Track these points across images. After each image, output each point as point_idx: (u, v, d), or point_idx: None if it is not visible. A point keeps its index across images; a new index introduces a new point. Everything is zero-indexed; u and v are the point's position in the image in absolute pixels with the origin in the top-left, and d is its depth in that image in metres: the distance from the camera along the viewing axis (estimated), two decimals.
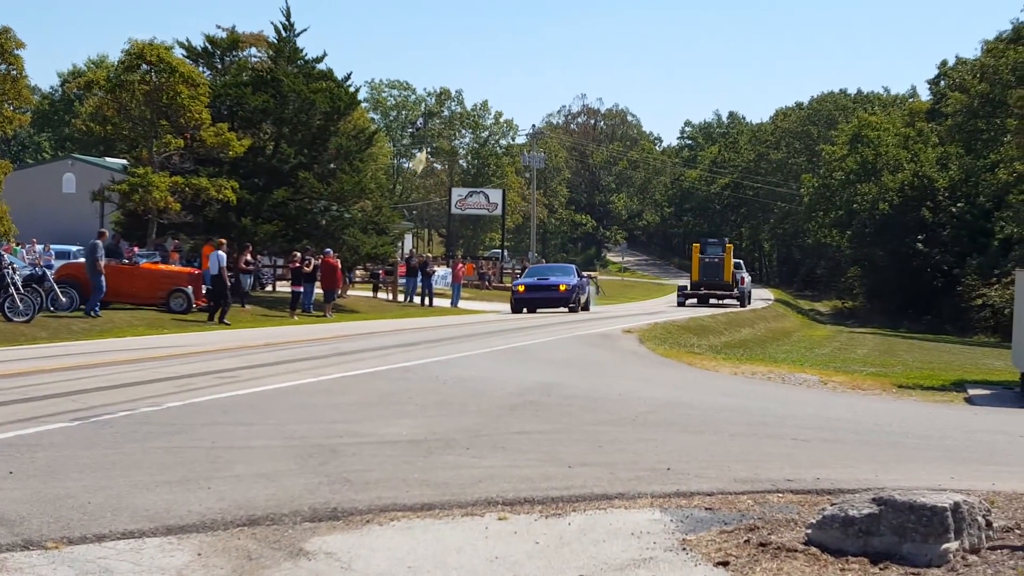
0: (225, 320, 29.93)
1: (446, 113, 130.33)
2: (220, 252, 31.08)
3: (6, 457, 9.01)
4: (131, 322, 27.91)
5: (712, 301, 58.88)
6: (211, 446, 9.82)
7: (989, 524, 6.55)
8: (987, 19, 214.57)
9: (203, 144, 37.94)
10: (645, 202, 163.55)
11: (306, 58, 45.51)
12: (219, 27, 53.88)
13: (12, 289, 24.63)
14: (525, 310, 43.41)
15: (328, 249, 38.49)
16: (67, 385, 14.39)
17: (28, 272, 28.97)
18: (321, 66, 45.90)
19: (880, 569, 6.00)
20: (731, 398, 15.95)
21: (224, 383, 14.97)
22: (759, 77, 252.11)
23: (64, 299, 27.86)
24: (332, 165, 43.70)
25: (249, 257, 36.99)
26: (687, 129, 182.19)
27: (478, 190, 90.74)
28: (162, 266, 33.31)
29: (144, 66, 37.11)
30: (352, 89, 46.45)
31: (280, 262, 47.70)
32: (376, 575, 6.05)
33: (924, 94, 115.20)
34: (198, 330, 27.51)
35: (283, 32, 44.60)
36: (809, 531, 6.52)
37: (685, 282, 64.78)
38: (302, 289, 36.37)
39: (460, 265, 55.84)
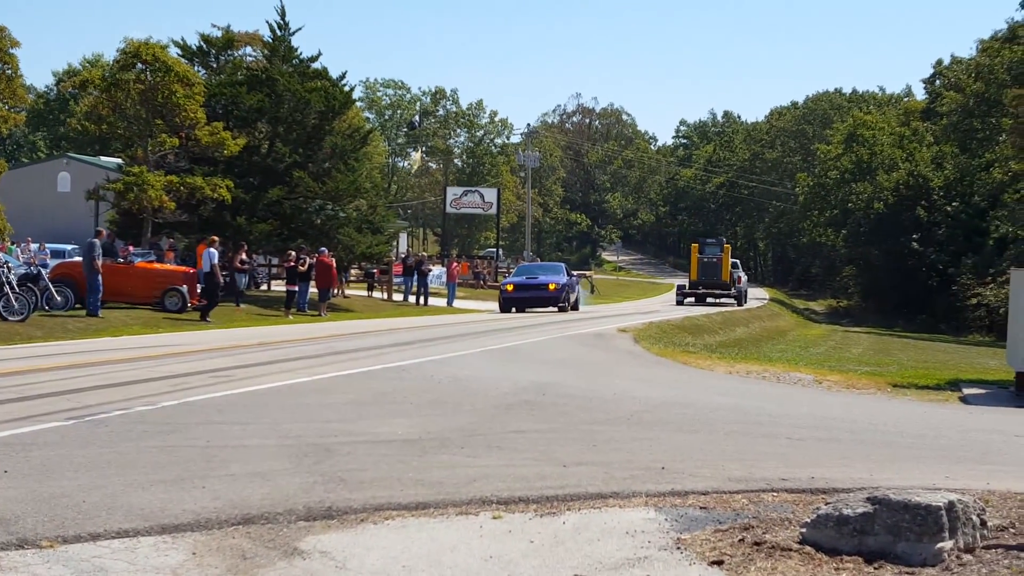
0: (208, 319, 29.84)
1: (441, 112, 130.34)
2: (212, 250, 31.03)
3: (1, 456, 9.00)
4: (126, 321, 27.87)
5: (710, 300, 60.10)
6: (206, 445, 9.82)
7: (984, 523, 6.56)
8: (982, 18, 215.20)
9: (198, 143, 37.89)
10: (640, 201, 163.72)
11: (301, 57, 45.46)
12: (214, 26, 53.77)
13: (7, 288, 24.58)
14: (514, 309, 42.90)
15: (323, 248, 38.46)
16: (62, 384, 14.37)
17: (23, 271, 28.93)
18: (316, 65, 45.84)
19: (875, 568, 6.01)
20: (726, 397, 15.96)
21: (219, 382, 14.96)
22: (754, 76, 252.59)
23: (59, 298, 27.82)
24: (327, 164, 43.63)
25: (244, 256, 36.95)
26: (682, 128, 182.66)
27: (473, 189, 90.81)
28: (157, 265, 33.22)
29: (139, 65, 37.04)
30: (347, 88, 46.44)
31: (275, 261, 47.68)
32: (371, 574, 6.05)
33: (919, 93, 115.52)
34: (193, 329, 27.48)
35: (278, 31, 44.55)
36: (804, 530, 6.53)
37: (680, 281, 65.75)
38: (297, 288, 36.34)
39: (455, 264, 55.85)
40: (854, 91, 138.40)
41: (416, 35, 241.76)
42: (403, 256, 59.39)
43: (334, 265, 38.33)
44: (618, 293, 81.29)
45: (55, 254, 45.11)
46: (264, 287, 46.50)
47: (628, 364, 21.97)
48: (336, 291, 43.83)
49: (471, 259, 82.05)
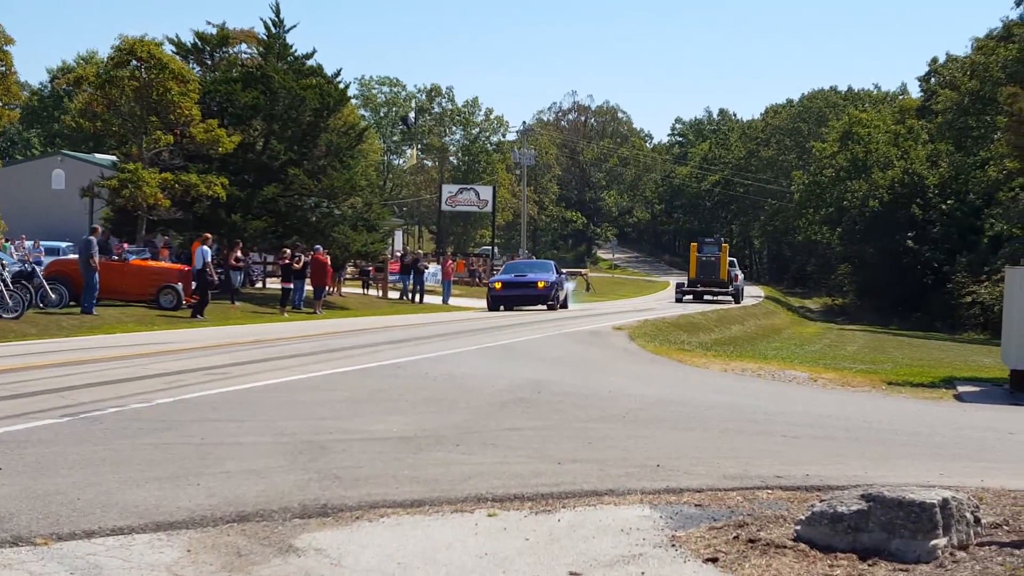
0: (200, 316, 29.82)
1: (436, 110, 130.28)
2: (204, 247, 30.99)
3: None
4: (121, 319, 27.86)
5: (707, 298, 61.40)
6: (201, 442, 9.81)
7: (978, 520, 6.57)
8: (978, 16, 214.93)
9: (193, 140, 37.86)
10: (635, 199, 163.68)
11: (296, 54, 45.46)
12: (209, 23, 53.84)
13: (1, 286, 24.58)
14: (503, 307, 42.38)
15: (318, 246, 38.46)
16: (56, 381, 14.36)
17: (17, 268, 28.94)
18: (311, 62, 45.89)
19: (869, 565, 6.02)
20: (721, 395, 15.98)
21: (214, 380, 14.95)
22: (750, 74, 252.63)
23: (53, 295, 27.83)
24: (322, 162, 43.62)
25: (239, 254, 36.94)
26: (678, 126, 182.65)
27: (468, 187, 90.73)
28: (152, 263, 33.22)
29: (134, 62, 37.04)
30: (342, 85, 46.50)
31: (270, 259, 47.66)
32: (366, 571, 6.05)
33: (915, 91, 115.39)
34: (188, 326, 27.47)
35: (273, 28, 44.54)
36: (798, 527, 6.53)
37: (675, 279, 66.54)
38: (292, 286, 36.34)
39: (450, 262, 55.87)
40: (849, 89, 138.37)
41: (411, 32, 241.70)
42: (401, 254, 59.41)
43: (329, 263, 38.32)
44: (613, 291, 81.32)
45: (49, 251, 45.06)
46: (259, 285, 46.48)
47: (623, 362, 21.97)
48: (332, 289, 43.85)
49: (466, 257, 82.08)
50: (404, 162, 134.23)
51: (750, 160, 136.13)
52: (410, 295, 47.69)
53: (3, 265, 25.86)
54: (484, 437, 10.59)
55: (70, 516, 6.94)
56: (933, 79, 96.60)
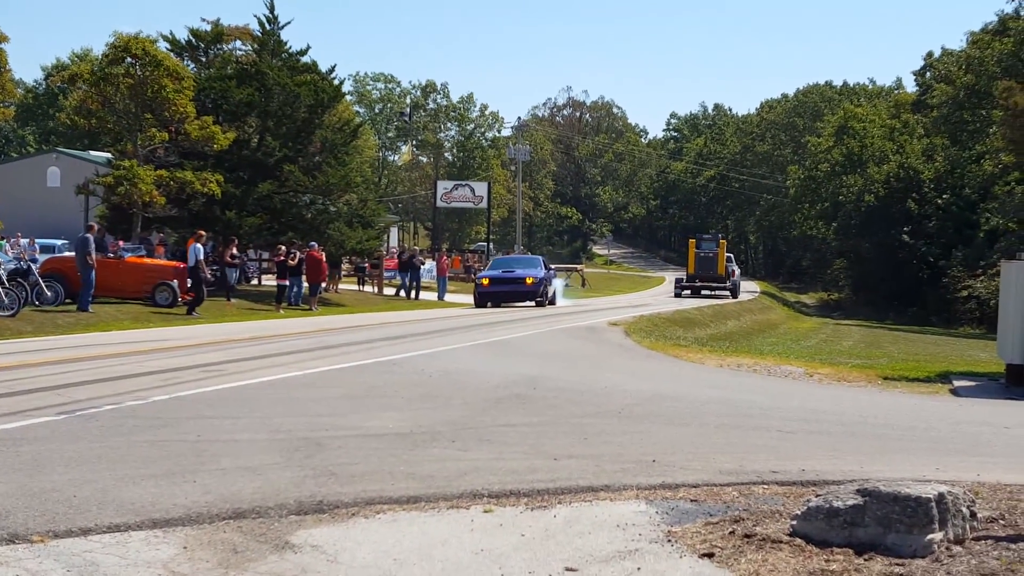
0: (195, 313, 29.82)
1: (431, 106, 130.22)
2: (197, 245, 30.98)
3: None
4: (116, 316, 27.85)
5: (705, 293, 63.23)
6: (197, 440, 9.81)
7: (974, 515, 6.58)
8: (973, 11, 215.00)
9: (188, 137, 37.86)
10: (631, 195, 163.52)
11: (290, 51, 45.49)
12: (204, 20, 53.77)
13: None
14: (490, 304, 41.56)
15: (313, 243, 38.45)
16: (52, 379, 14.36)
17: (13, 266, 28.91)
18: (305, 59, 45.94)
19: (865, 560, 6.02)
20: (717, 390, 15.98)
21: (210, 377, 14.95)
22: (745, 69, 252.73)
23: (49, 293, 27.82)
24: (317, 158, 43.64)
25: (235, 251, 36.93)
26: (673, 121, 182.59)
27: (463, 183, 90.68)
28: (147, 260, 33.22)
29: (128, 59, 36.97)
30: (336, 82, 46.49)
31: (265, 255, 47.65)
32: (362, 567, 6.05)
33: (910, 86, 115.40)
34: (183, 324, 27.47)
35: (267, 25, 44.55)
36: (794, 522, 6.54)
37: (670, 275, 67.46)
38: (287, 282, 36.33)
39: (445, 258, 55.83)
40: (845, 84, 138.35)
41: (406, 29, 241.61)
42: (399, 251, 59.36)
43: (324, 259, 38.32)
44: (609, 287, 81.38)
45: (44, 249, 45.06)
46: (255, 282, 46.46)
47: (619, 357, 21.97)
48: (330, 286, 43.89)
49: (462, 253, 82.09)
50: (398, 159, 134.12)
51: (745, 155, 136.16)
52: (406, 292, 47.65)
53: None
54: (480, 433, 10.59)
55: (66, 513, 6.94)
56: (928, 73, 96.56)
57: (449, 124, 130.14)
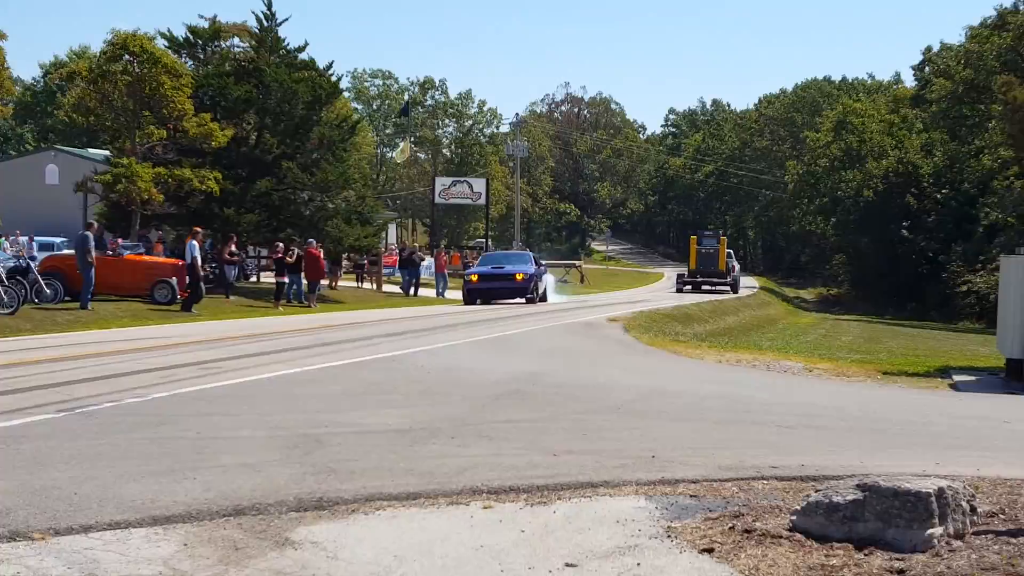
0: (192, 310, 29.83)
1: (429, 102, 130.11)
2: (193, 242, 30.99)
3: None
4: (115, 313, 27.86)
5: (706, 288, 63.50)
6: (196, 436, 9.82)
7: (974, 509, 6.58)
8: (971, 5, 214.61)
9: (186, 135, 37.88)
10: (629, 191, 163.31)
11: (288, 48, 45.46)
12: (201, 17, 53.67)
13: None
14: (479, 301, 40.19)
15: (311, 240, 38.45)
16: (52, 377, 14.37)
17: (12, 264, 28.92)
18: (303, 56, 45.90)
19: (865, 555, 6.02)
20: (716, 386, 15.98)
21: (209, 374, 14.96)
22: (743, 64, 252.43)
23: (48, 291, 27.83)
24: (315, 155, 43.62)
25: (233, 248, 36.93)
26: (671, 117, 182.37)
27: (462, 179, 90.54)
28: (146, 257, 33.24)
29: (126, 57, 36.97)
30: (334, 78, 46.48)
31: (264, 253, 47.62)
32: (362, 564, 6.05)
33: (908, 80, 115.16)
34: (182, 321, 27.47)
35: (265, 22, 44.54)
36: (794, 517, 6.54)
37: (670, 271, 67.92)
38: (286, 279, 36.33)
39: (443, 255, 55.79)
40: (843, 79, 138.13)
41: (404, 25, 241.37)
42: (400, 248, 59.29)
43: (322, 256, 38.31)
44: (608, 283, 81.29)
45: (43, 247, 45.07)
46: (253, 279, 46.46)
47: (618, 353, 21.98)
48: (332, 284, 43.94)
49: (460, 250, 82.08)
50: (395, 156, 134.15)
51: (744, 150, 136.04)
52: (412, 289, 47.53)
53: None
54: (479, 429, 10.60)
55: (67, 511, 6.94)
56: (927, 68, 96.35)
57: (447, 120, 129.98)
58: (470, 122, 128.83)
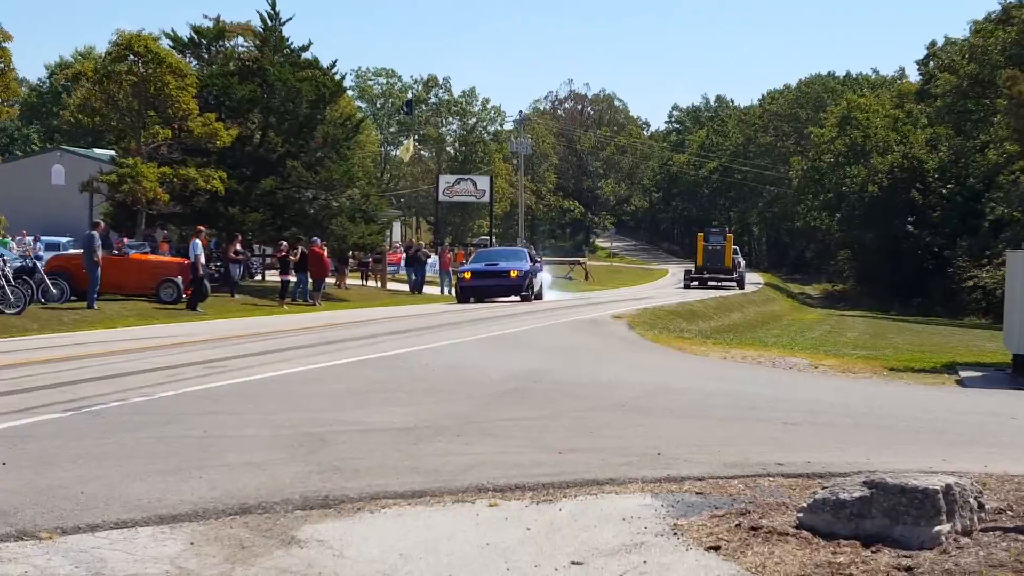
0: (197, 309, 29.85)
1: (433, 100, 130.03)
2: (196, 241, 31.02)
3: None
4: (121, 313, 27.88)
5: (712, 284, 64.38)
6: (202, 435, 9.83)
7: (981, 506, 6.58)
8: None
9: (191, 134, 37.90)
10: (633, 187, 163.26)
11: (292, 47, 45.47)
12: (205, 17, 53.77)
13: (3, 281, 24.60)
14: (473, 299, 39.09)
15: (315, 238, 38.46)
16: (58, 376, 14.39)
17: (19, 264, 28.95)
18: (307, 55, 45.93)
19: (872, 552, 6.02)
20: (721, 383, 15.96)
21: (215, 373, 14.97)
22: (747, 60, 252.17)
23: (54, 290, 27.88)
24: (319, 153, 43.63)
25: (239, 247, 36.96)
26: (675, 113, 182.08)
27: (466, 177, 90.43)
28: (152, 257, 33.27)
29: (131, 57, 37.02)
30: (338, 77, 46.48)
31: (269, 251, 47.61)
32: (368, 562, 6.05)
33: (913, 75, 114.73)
34: (188, 320, 27.48)
35: (269, 21, 44.52)
36: (800, 515, 6.54)
37: (675, 267, 68.17)
38: (291, 278, 36.34)
39: (448, 253, 55.74)
40: (847, 74, 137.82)
41: (407, 24, 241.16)
42: (406, 246, 59.19)
43: (326, 255, 38.31)
44: (612, 279, 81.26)
45: (49, 247, 45.08)
46: (259, 277, 46.48)
47: (622, 350, 21.96)
48: (340, 282, 43.95)
49: (465, 247, 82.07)
50: (399, 154, 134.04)
51: (748, 146, 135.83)
52: (416, 286, 47.51)
53: (4, 261, 25.89)
54: (484, 427, 10.60)
55: (74, 510, 6.96)
56: (932, 63, 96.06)
57: (451, 118, 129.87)
58: (474, 120, 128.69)
